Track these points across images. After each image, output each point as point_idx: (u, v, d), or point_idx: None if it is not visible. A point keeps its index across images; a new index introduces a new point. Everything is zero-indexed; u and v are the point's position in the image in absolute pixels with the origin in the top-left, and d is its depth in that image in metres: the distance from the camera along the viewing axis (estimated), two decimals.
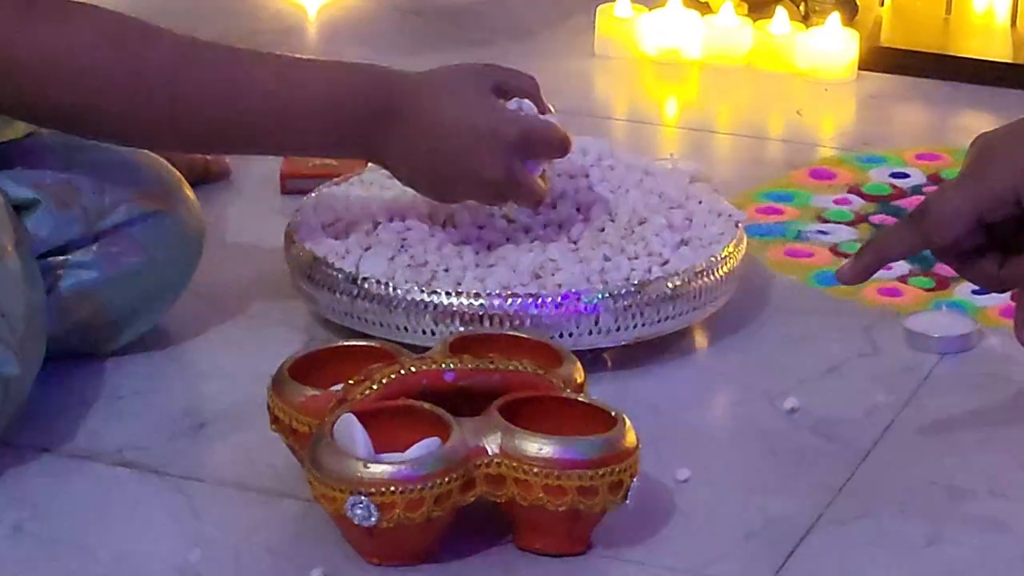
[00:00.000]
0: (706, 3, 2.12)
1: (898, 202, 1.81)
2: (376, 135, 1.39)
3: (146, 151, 1.63)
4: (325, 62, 1.53)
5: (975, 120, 1.92)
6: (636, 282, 1.50)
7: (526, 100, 1.51)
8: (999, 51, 2.27)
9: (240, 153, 1.55)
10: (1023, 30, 2.22)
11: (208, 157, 1.89)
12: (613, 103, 1.96)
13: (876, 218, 1.76)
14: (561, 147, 1.49)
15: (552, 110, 1.53)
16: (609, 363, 1.52)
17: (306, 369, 1.37)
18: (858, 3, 2.18)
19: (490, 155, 1.44)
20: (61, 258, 1.50)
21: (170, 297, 1.57)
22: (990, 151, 1.39)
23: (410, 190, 1.62)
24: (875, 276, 1.59)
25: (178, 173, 1.62)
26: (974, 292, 1.64)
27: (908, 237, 1.42)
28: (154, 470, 1.40)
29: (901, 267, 1.68)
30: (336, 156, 1.54)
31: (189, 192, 1.61)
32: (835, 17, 2.12)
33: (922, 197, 1.74)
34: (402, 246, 1.55)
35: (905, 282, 1.64)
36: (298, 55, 1.55)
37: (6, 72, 1.39)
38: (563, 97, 1.92)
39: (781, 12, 2.12)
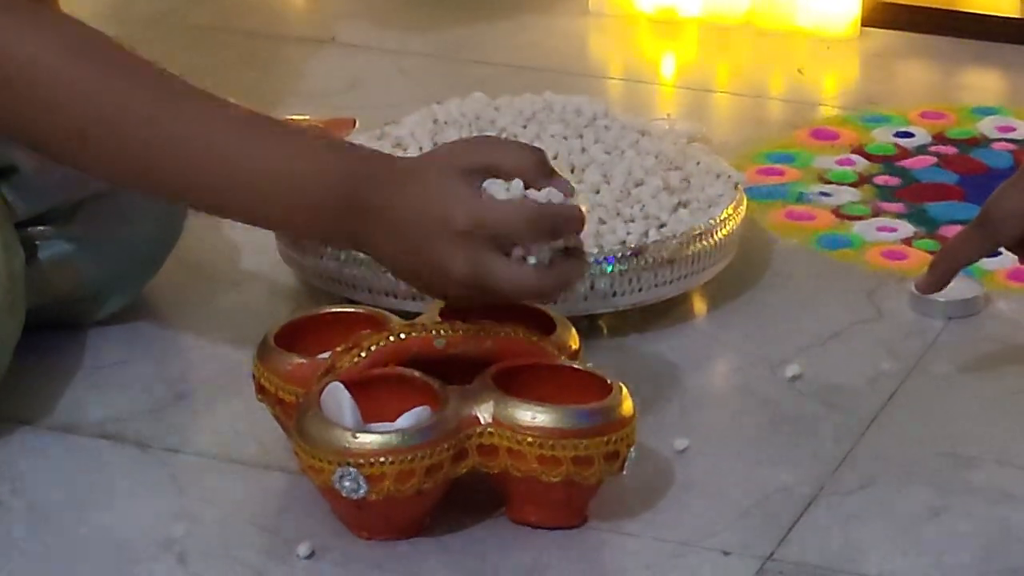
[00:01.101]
0: None
1: (903, 162, 1.81)
2: (357, 231, 1.34)
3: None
4: (306, 140, 1.43)
5: (981, 78, 1.95)
6: (633, 246, 1.50)
7: (516, 180, 1.36)
8: (1006, 6, 2.20)
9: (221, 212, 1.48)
10: None
11: None
12: (608, 62, 1.97)
13: (880, 179, 1.77)
14: (543, 229, 1.34)
15: (571, 190, 1.38)
16: (605, 330, 1.53)
17: (292, 337, 1.37)
18: None
19: (448, 246, 1.33)
20: (40, 228, 1.50)
21: (152, 267, 1.58)
22: None
23: (403, 155, 1.62)
24: (878, 239, 1.59)
25: None
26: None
27: (977, 241, 1.44)
28: (136, 442, 1.40)
29: (905, 229, 1.70)
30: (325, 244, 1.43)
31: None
32: None
33: (929, 159, 1.73)
34: None
35: (910, 244, 1.63)
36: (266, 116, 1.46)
37: None
38: (557, 56, 1.97)
39: None
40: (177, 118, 1.37)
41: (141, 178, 1.42)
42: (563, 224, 1.35)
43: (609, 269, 1.52)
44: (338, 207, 1.32)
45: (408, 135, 1.62)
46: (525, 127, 1.63)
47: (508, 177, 1.34)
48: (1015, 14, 2.20)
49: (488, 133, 1.66)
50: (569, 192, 1.36)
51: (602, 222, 1.55)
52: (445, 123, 1.64)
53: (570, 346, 1.38)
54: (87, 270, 1.53)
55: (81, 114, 1.37)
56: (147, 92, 1.37)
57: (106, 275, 1.55)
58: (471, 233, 1.31)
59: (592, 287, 1.53)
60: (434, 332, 1.36)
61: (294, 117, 1.81)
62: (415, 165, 1.37)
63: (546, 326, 1.40)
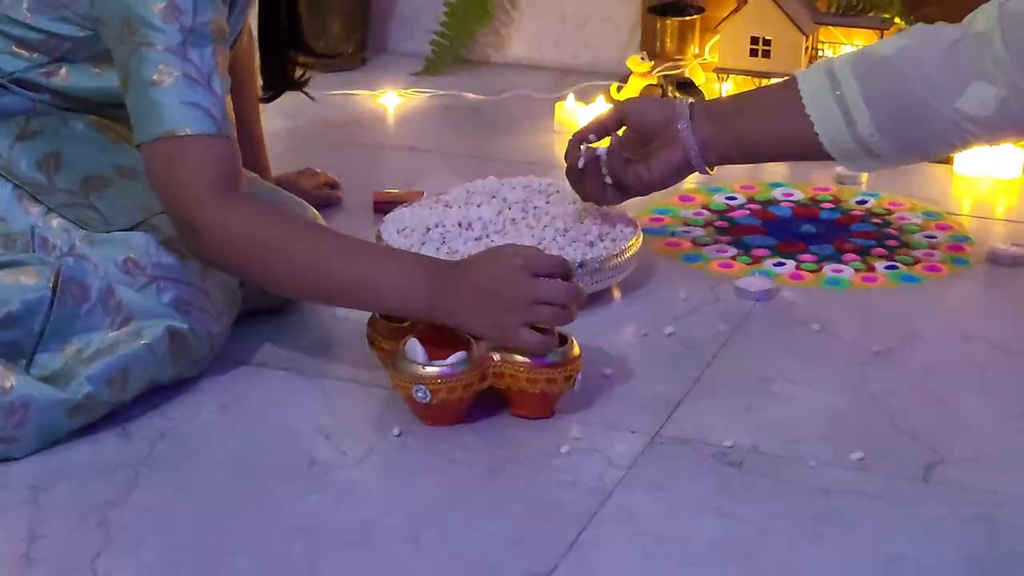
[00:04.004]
0: (616, 101, 2.11)
1: (730, 214, 1.78)
2: (435, 303, 1.27)
3: (289, 193, 1.61)
4: (397, 257, 1.37)
5: (775, 166, 1.89)
6: (579, 261, 1.49)
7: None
8: None
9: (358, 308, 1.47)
10: None
11: (328, 191, 1.80)
12: (564, 160, 1.96)
13: (718, 223, 1.75)
14: (563, 268, 1.29)
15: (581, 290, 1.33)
16: None
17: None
18: (699, 87, 2.06)
19: (513, 282, 1.26)
20: None
21: None
22: None
23: (449, 211, 1.60)
24: (716, 257, 1.67)
25: (309, 204, 1.59)
26: (774, 265, 1.65)
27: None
28: (301, 372, 1.41)
29: (731, 252, 1.68)
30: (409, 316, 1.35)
31: (316, 213, 1.58)
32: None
33: (745, 212, 1.80)
34: (443, 240, 1.54)
35: (734, 260, 1.65)
36: (382, 246, 1.49)
37: (201, 236, 1.27)
38: (535, 155, 1.98)
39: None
40: (350, 266, 1.30)
41: (340, 297, 1.36)
42: (568, 268, 1.31)
43: None
44: (426, 287, 1.27)
45: (452, 200, 1.63)
46: (514, 189, 1.65)
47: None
48: None
49: (495, 200, 1.62)
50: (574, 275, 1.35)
51: (561, 249, 1.52)
52: (473, 193, 1.66)
53: None
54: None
55: (317, 274, 1.31)
56: (328, 245, 1.32)
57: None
58: (524, 267, 1.26)
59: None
60: None
61: (391, 190, 1.80)
62: (476, 257, 1.33)
63: None
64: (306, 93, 1.73)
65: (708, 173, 1.47)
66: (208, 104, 1.27)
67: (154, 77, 1.26)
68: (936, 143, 1.34)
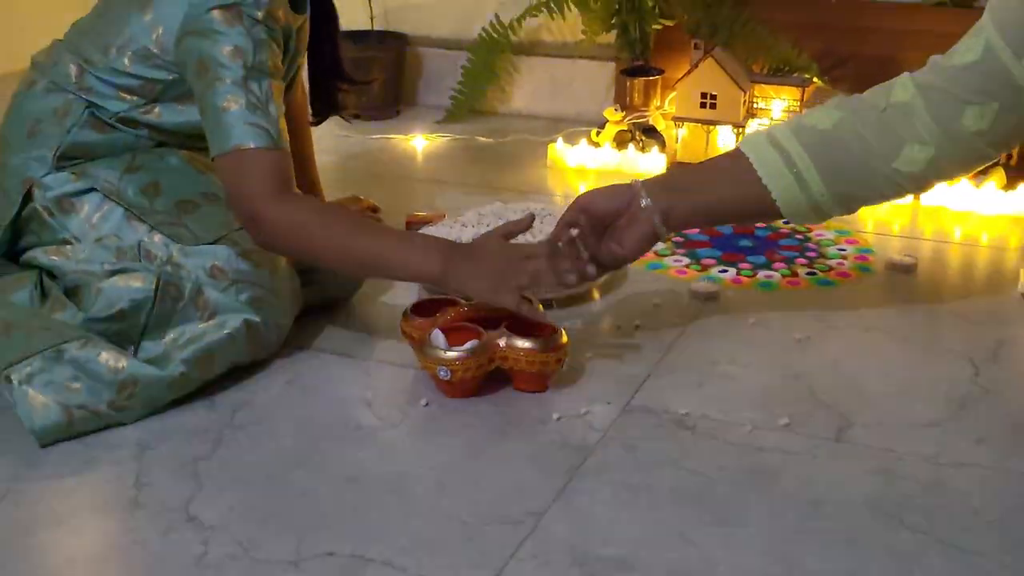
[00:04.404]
0: (596, 142, 2.11)
1: (685, 232, 1.71)
2: (446, 274, 1.26)
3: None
4: (413, 238, 1.37)
5: None
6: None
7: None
8: None
9: (372, 276, 1.49)
10: None
11: (371, 214, 1.77)
12: (555, 190, 1.94)
13: (675, 239, 1.70)
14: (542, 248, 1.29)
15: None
16: (554, 305, 1.48)
17: (418, 308, 1.38)
18: (660, 131, 2.04)
19: (502, 256, 1.27)
20: (314, 271, 1.45)
21: (360, 283, 1.52)
22: None
23: (465, 229, 1.60)
24: (674, 265, 1.64)
25: None
26: (719, 272, 1.63)
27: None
28: (347, 355, 1.41)
29: (685, 261, 1.66)
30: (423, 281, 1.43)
31: None
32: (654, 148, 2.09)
33: (696, 230, 1.75)
34: None
35: (687, 268, 1.64)
36: (402, 231, 1.53)
37: (262, 229, 1.27)
38: (533, 185, 1.97)
39: (630, 149, 2.09)
40: (379, 243, 1.29)
41: (368, 269, 1.38)
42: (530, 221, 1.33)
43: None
44: (439, 270, 1.26)
45: (467, 220, 1.64)
46: (516, 212, 1.63)
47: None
48: None
49: (501, 220, 1.60)
50: None
51: None
52: (484, 215, 1.66)
53: (539, 312, 1.33)
54: (329, 288, 1.48)
55: (348, 252, 1.29)
56: (369, 233, 1.31)
57: (336, 288, 1.49)
58: (501, 238, 1.30)
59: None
60: (482, 307, 1.35)
61: (419, 213, 1.78)
62: (474, 244, 1.32)
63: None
64: (344, 117, 1.72)
65: (670, 239, 1.42)
66: (266, 124, 1.27)
67: (223, 104, 1.27)
68: (875, 197, 1.28)
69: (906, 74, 1.27)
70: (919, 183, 1.27)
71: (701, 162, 1.35)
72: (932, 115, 1.22)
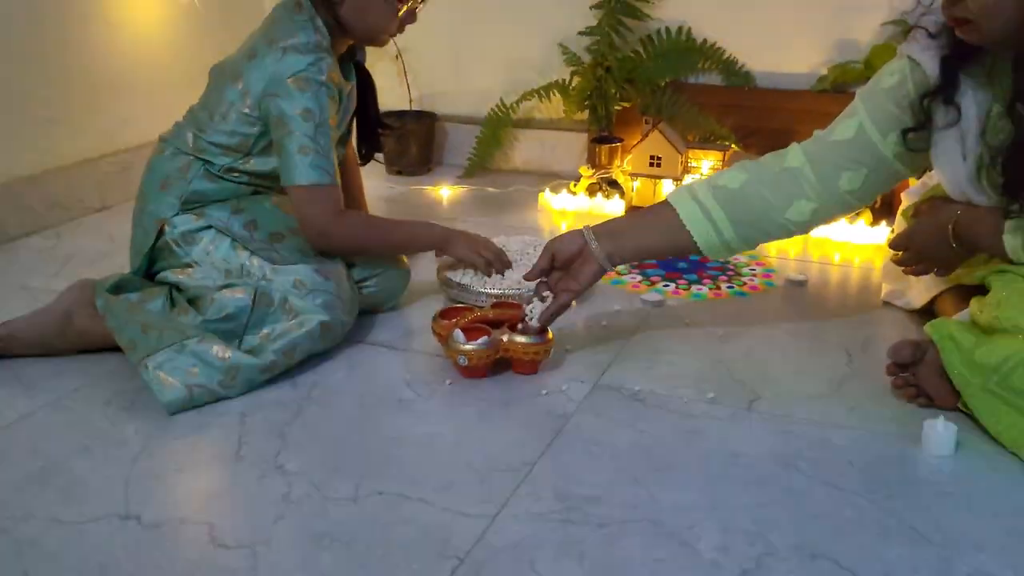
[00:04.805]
0: (573, 192, 2.11)
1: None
2: (445, 244, 1.42)
3: None
4: (426, 225, 1.47)
5: None
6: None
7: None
8: None
9: (402, 253, 1.50)
10: None
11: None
12: (544, 226, 1.95)
13: (634, 262, 1.66)
14: (506, 263, 1.48)
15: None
16: None
17: (444, 313, 1.36)
18: (620, 184, 2.00)
19: (480, 246, 1.44)
20: (363, 282, 1.44)
21: (402, 292, 1.50)
22: None
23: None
24: (631, 281, 1.61)
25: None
26: (663, 286, 1.61)
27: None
28: (401, 349, 1.39)
29: (638, 279, 1.64)
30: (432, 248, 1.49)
31: (404, 260, 1.51)
32: (616, 196, 2.08)
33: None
34: (474, 272, 1.49)
35: (641, 283, 1.62)
36: (424, 221, 1.52)
37: (326, 240, 1.34)
38: (526, 225, 1.94)
39: (598, 196, 2.09)
40: (405, 231, 1.45)
41: (399, 248, 1.48)
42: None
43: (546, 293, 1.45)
44: (441, 238, 1.41)
45: None
46: (515, 244, 1.62)
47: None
48: None
49: (504, 249, 1.55)
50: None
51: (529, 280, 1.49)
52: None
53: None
54: (378, 296, 1.47)
55: (386, 241, 1.42)
56: (397, 226, 1.46)
57: (384, 297, 1.48)
58: (483, 242, 1.45)
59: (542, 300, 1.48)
60: (490, 312, 1.36)
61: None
62: (467, 232, 1.45)
63: (519, 309, 1.35)
64: (377, 160, 1.68)
65: (614, 271, 1.39)
66: (327, 166, 1.31)
67: (298, 151, 1.30)
68: (771, 238, 1.27)
69: (796, 144, 1.26)
70: (804, 228, 1.27)
71: (639, 211, 1.31)
72: (817, 178, 1.22)
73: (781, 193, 1.23)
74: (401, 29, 1.41)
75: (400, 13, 1.37)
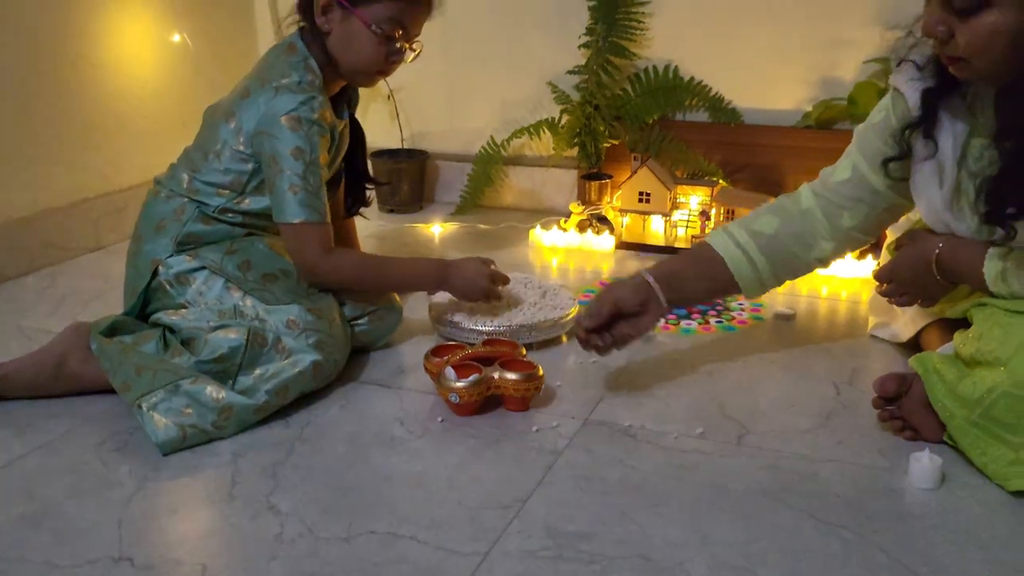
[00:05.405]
0: (564, 228, 2.13)
1: None
2: (441, 284, 1.42)
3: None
4: (423, 262, 1.51)
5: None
6: (537, 320, 1.48)
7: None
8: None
9: (399, 292, 1.53)
10: None
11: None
12: (535, 262, 1.95)
13: None
14: (503, 279, 1.49)
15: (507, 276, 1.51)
16: (534, 347, 1.49)
17: (436, 351, 1.37)
18: (610, 219, 2.04)
19: (480, 278, 1.43)
20: (355, 322, 1.45)
21: (394, 330, 1.50)
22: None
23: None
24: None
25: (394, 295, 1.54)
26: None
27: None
28: (384, 385, 1.40)
29: None
30: (429, 290, 1.51)
31: (397, 298, 1.51)
32: (606, 232, 2.10)
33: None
34: (469, 312, 1.51)
35: None
36: (417, 258, 1.55)
37: (316, 277, 1.36)
38: (519, 260, 1.95)
39: (588, 232, 2.11)
40: (397, 268, 1.45)
41: (392, 286, 1.49)
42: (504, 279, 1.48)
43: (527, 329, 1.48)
44: (436, 275, 1.42)
45: None
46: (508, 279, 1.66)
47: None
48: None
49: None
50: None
51: (538, 310, 1.51)
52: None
53: (523, 354, 1.37)
54: (371, 335, 1.47)
55: (379, 278, 1.43)
56: (390, 263, 1.46)
57: (376, 335, 1.48)
58: (488, 274, 1.44)
59: (529, 332, 1.48)
60: (481, 348, 1.37)
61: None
62: (461, 260, 1.45)
63: (514, 347, 1.38)
64: (362, 215, 1.64)
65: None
66: (317, 205, 1.33)
67: (288, 189, 1.31)
68: (798, 276, 1.35)
69: (806, 186, 1.34)
70: (826, 264, 1.36)
71: (688, 258, 1.33)
72: (824, 217, 1.30)
73: (806, 235, 1.31)
74: (390, 70, 1.42)
75: (386, 49, 1.37)
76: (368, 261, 1.43)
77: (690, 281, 1.30)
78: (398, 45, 1.38)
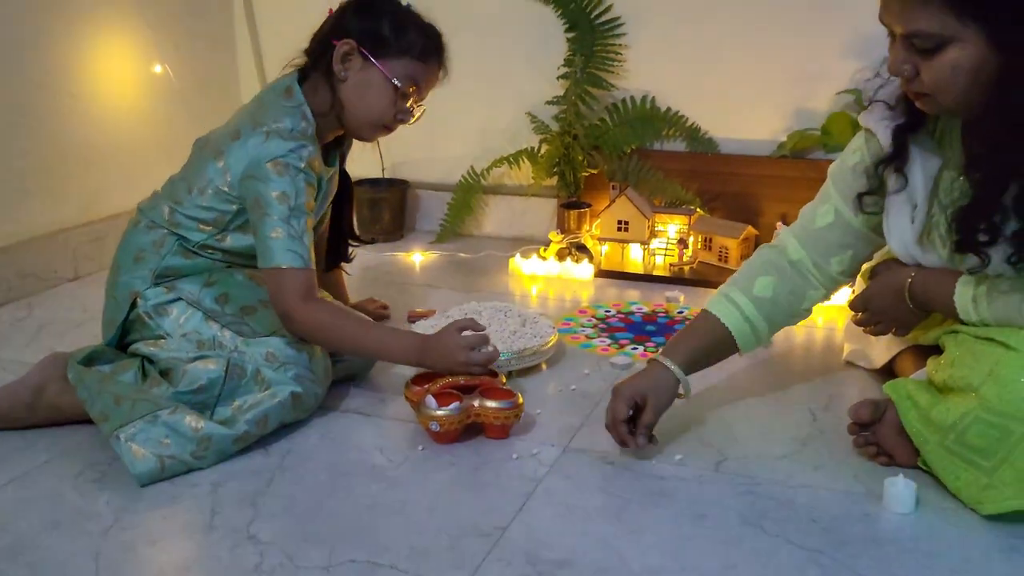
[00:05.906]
0: (543, 256, 2.15)
1: (607, 320, 1.74)
2: (421, 361, 1.32)
3: (358, 312, 1.48)
4: (402, 334, 1.37)
5: (633, 289, 1.93)
6: (523, 347, 1.50)
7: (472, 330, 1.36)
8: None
9: (373, 359, 1.49)
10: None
11: (382, 310, 1.75)
12: (514, 291, 1.96)
13: (600, 325, 1.71)
14: (483, 338, 1.34)
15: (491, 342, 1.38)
16: (514, 374, 1.50)
17: (416, 379, 1.38)
18: (588, 247, 2.05)
19: (458, 352, 1.31)
20: (338, 358, 1.44)
21: (374, 364, 1.52)
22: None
23: (449, 320, 1.56)
24: (600, 345, 1.62)
25: (370, 318, 1.50)
26: (632, 349, 1.63)
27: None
28: (363, 414, 1.40)
29: (607, 342, 1.66)
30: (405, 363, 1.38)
31: (371, 320, 1.48)
32: (585, 260, 2.09)
33: (615, 319, 1.76)
34: None
35: (608, 347, 1.63)
36: (396, 329, 1.41)
37: (293, 324, 1.31)
38: (499, 289, 1.95)
39: (568, 261, 2.12)
40: (375, 336, 1.35)
41: (368, 354, 1.41)
42: (486, 340, 1.36)
43: (508, 355, 1.47)
44: (415, 352, 1.32)
45: (452, 314, 1.60)
46: (487, 309, 1.64)
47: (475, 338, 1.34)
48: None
49: (476, 315, 1.59)
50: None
51: (517, 339, 1.52)
52: (465, 311, 1.63)
53: (503, 382, 1.37)
54: (353, 368, 1.48)
55: (355, 341, 1.35)
56: (368, 329, 1.36)
57: (359, 369, 1.49)
58: (464, 347, 1.32)
59: (510, 361, 1.49)
60: (461, 378, 1.35)
61: (418, 309, 1.78)
62: (438, 335, 1.34)
63: (495, 376, 1.38)
64: (344, 270, 1.65)
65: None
66: (300, 250, 1.29)
67: (272, 234, 1.29)
68: (791, 325, 1.35)
69: (787, 233, 1.33)
70: (812, 310, 1.36)
71: (698, 333, 1.31)
72: (815, 267, 1.32)
73: (798, 289, 1.32)
74: (394, 126, 1.41)
75: (398, 105, 1.37)
76: (347, 319, 1.35)
77: (703, 359, 1.31)
78: (409, 104, 1.39)
